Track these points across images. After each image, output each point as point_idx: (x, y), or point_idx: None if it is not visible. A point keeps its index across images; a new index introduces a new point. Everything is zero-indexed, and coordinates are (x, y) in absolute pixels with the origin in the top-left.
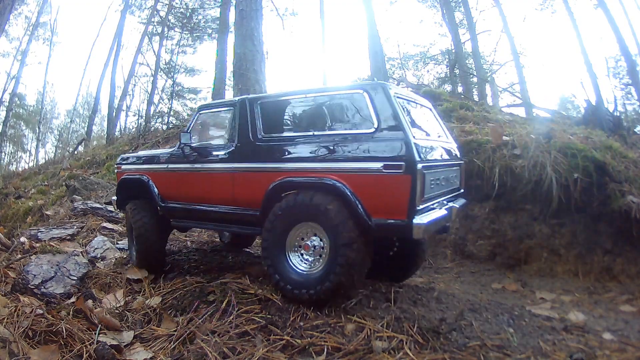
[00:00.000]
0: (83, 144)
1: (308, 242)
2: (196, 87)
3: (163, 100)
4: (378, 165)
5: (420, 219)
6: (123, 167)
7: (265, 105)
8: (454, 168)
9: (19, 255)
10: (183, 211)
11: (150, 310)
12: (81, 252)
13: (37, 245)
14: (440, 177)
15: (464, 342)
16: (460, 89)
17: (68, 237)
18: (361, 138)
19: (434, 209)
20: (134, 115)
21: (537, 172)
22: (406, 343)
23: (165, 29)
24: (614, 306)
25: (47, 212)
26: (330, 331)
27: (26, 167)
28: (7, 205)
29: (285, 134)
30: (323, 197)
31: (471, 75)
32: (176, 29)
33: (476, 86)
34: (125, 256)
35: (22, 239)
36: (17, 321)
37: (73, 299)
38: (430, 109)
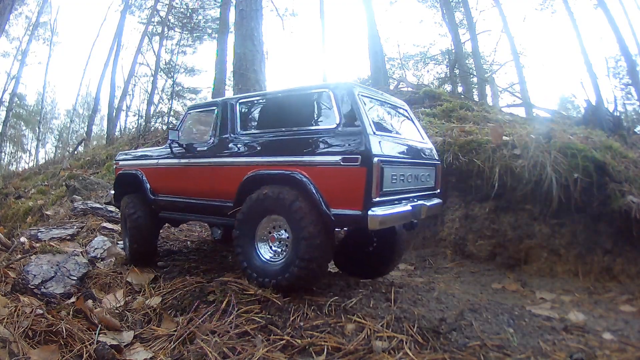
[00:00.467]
0: (83, 144)
1: (274, 234)
2: (196, 87)
3: (163, 100)
4: (337, 158)
5: (376, 211)
6: (120, 163)
7: (244, 105)
8: (427, 167)
9: (19, 255)
10: (170, 203)
11: (150, 310)
12: (81, 252)
13: (37, 245)
14: (406, 174)
15: (464, 342)
16: (460, 89)
17: (68, 237)
18: (325, 133)
19: (398, 204)
20: (134, 115)
21: (537, 172)
22: (406, 343)
23: (165, 29)
24: (614, 306)
25: (47, 212)
26: (330, 331)
27: (26, 167)
28: (7, 205)
29: (259, 130)
30: (287, 191)
31: (471, 75)
32: (176, 29)
33: (476, 86)
34: (125, 256)
35: (22, 239)
36: (17, 321)
37: (73, 299)
38: (406, 110)
